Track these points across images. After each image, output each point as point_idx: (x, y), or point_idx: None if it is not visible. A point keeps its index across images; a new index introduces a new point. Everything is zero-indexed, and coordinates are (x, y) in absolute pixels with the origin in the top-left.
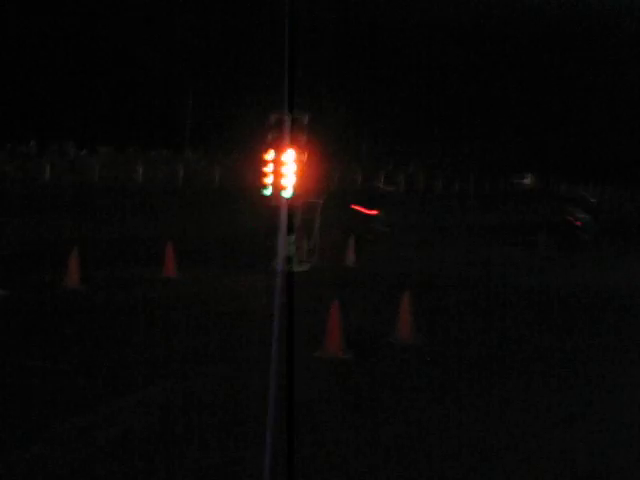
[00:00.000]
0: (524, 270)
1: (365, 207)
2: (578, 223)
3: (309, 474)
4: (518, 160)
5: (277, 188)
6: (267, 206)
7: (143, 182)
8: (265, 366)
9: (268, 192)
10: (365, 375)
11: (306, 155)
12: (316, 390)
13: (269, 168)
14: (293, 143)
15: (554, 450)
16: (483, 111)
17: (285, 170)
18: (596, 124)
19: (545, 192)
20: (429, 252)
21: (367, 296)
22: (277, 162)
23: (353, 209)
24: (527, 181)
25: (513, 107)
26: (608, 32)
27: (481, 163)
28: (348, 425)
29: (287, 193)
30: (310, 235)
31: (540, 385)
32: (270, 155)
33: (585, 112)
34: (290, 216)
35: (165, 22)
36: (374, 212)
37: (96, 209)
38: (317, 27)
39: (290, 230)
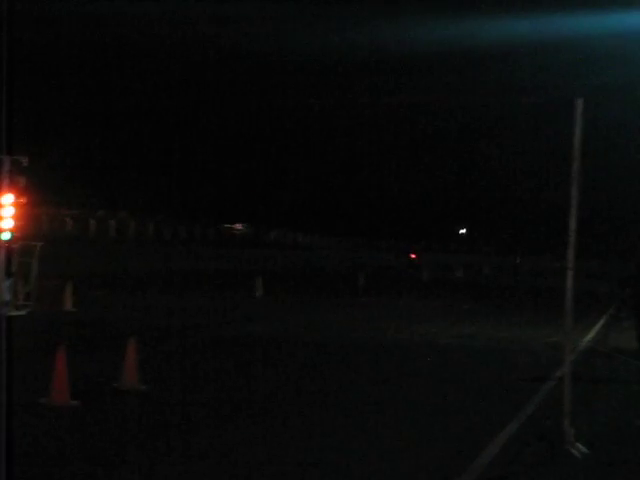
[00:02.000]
0: (241, 316)
1: None
2: None
3: None
4: (230, 207)
5: None
6: None
7: None
8: None
9: None
10: (91, 422)
11: (25, 198)
12: (41, 438)
13: None
14: (12, 186)
15: None
16: (195, 157)
17: (3, 213)
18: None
19: (256, 239)
20: (148, 299)
21: (91, 341)
22: None
23: None
24: (239, 227)
25: (225, 155)
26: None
27: (193, 209)
28: (73, 475)
29: (5, 236)
30: (27, 279)
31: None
32: None
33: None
34: (8, 259)
35: None
36: None
37: None
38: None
39: (8, 274)
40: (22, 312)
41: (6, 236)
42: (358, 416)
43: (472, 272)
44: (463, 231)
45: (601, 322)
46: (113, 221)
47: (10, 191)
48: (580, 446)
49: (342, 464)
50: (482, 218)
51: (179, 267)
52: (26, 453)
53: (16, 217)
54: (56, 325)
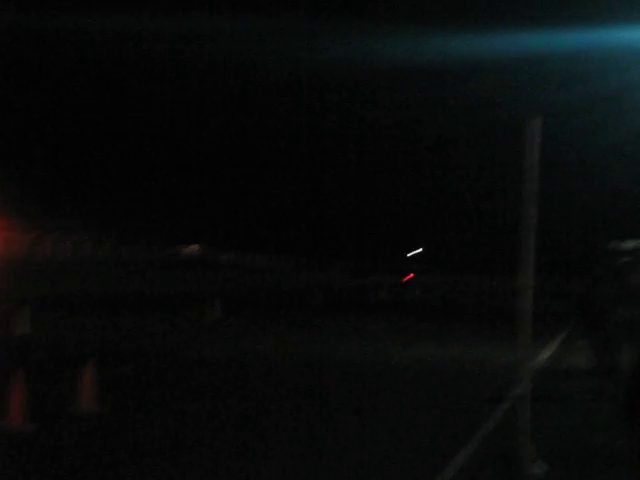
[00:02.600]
0: (196, 340)
1: None
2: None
3: None
4: (183, 229)
5: None
6: None
7: None
8: None
9: None
10: (48, 446)
11: None
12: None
13: None
14: None
15: None
16: (146, 178)
17: None
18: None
19: (208, 261)
20: (104, 322)
21: (48, 364)
22: None
23: None
24: (189, 250)
25: (177, 176)
26: None
27: (147, 231)
28: None
29: None
30: None
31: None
32: None
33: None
34: None
35: None
36: None
37: None
38: None
39: None
40: None
41: None
42: (305, 438)
43: (427, 292)
44: (418, 251)
45: (557, 340)
46: (67, 243)
47: None
48: (540, 464)
49: None
50: (437, 238)
51: (134, 289)
52: None
53: None
54: (12, 348)
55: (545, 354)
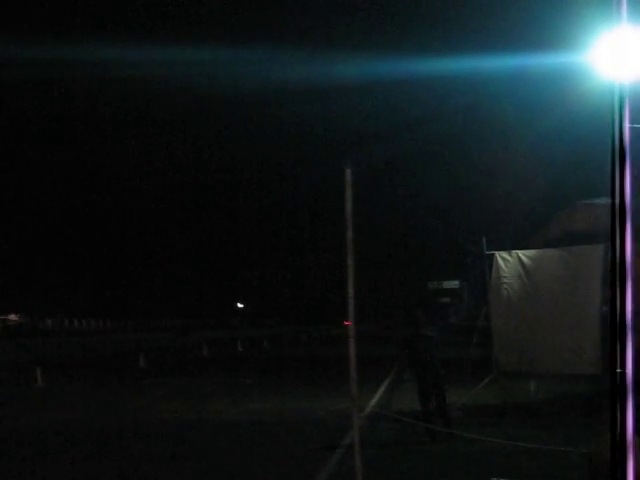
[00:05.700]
0: (21, 409)
1: None
2: None
3: None
4: (2, 297)
5: None
6: None
7: None
8: None
9: None
10: None
11: None
12: None
13: None
14: None
15: None
16: None
17: None
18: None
19: (32, 328)
20: None
21: None
22: None
23: None
24: (14, 318)
25: None
26: None
27: None
28: None
29: None
30: None
31: None
32: None
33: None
34: None
35: None
36: None
37: None
38: None
39: None
40: None
41: None
42: None
43: (253, 346)
44: (241, 306)
45: (384, 385)
46: None
47: None
48: None
49: None
50: (259, 292)
51: None
52: None
53: None
54: None
55: (373, 399)
